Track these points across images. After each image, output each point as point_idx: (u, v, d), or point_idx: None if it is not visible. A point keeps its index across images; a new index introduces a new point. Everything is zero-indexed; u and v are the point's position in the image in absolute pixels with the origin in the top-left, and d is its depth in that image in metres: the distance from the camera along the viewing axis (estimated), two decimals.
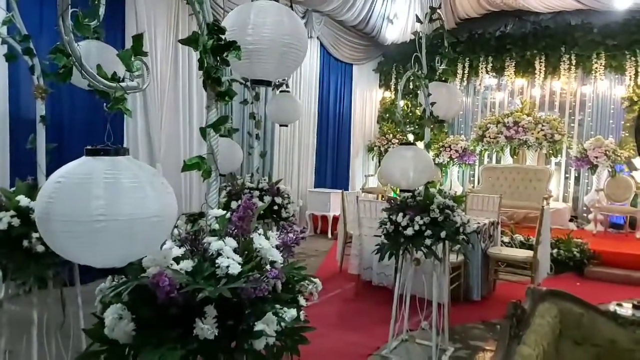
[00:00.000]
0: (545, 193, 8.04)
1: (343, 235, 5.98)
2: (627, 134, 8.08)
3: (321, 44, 8.72)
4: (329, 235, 8.16)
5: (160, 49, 5.83)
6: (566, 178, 8.95)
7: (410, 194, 3.36)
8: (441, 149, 9.37)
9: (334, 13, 8.39)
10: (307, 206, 8.44)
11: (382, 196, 9.94)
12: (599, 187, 7.89)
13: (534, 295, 1.85)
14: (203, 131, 1.56)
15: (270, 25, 1.90)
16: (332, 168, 9.47)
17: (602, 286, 5.70)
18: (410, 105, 10.26)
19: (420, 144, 3.39)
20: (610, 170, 7.78)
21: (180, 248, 1.42)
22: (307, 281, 1.57)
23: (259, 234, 1.50)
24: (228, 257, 1.33)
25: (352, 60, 9.56)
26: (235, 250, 1.38)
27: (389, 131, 10.16)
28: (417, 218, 3.28)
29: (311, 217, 8.48)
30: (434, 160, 9.87)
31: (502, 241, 6.02)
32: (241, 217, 1.46)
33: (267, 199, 4.03)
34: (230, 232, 1.48)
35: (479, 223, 4.95)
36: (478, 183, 9.29)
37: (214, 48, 1.48)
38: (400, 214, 3.37)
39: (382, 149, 10.04)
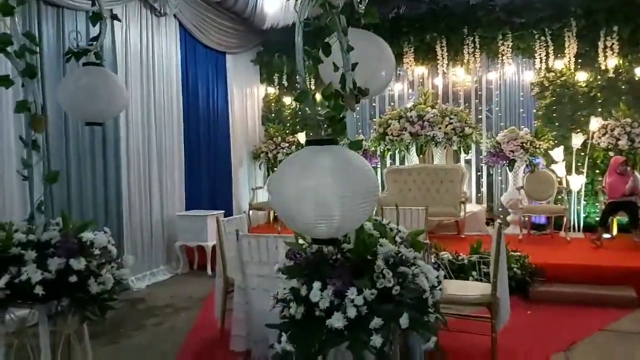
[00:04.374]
0: (460, 196, 6.92)
1: (222, 283, 4.15)
2: (540, 123, 7.25)
3: (181, 25, 6.77)
4: (209, 271, 6.24)
5: None
6: (478, 176, 7.98)
7: (332, 245, 1.68)
8: None
9: None
10: (176, 236, 6.43)
11: (275, 213, 8.23)
12: (517, 184, 6.95)
13: None
14: None
15: None
16: (209, 183, 7.52)
17: (557, 312, 4.53)
18: (299, 103, 8.68)
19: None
20: (529, 164, 6.87)
21: None
22: None
23: None
24: None
25: (224, 48, 7.71)
26: None
27: (277, 134, 8.48)
28: (352, 292, 1.62)
29: (183, 249, 6.48)
30: None
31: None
32: None
33: (55, 262, 2.11)
34: None
35: None
36: (382, 189, 7.97)
37: None
38: (316, 284, 1.68)
39: (270, 155, 8.32)
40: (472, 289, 3.69)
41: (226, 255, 4.15)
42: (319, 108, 1.57)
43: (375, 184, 1.48)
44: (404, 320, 1.60)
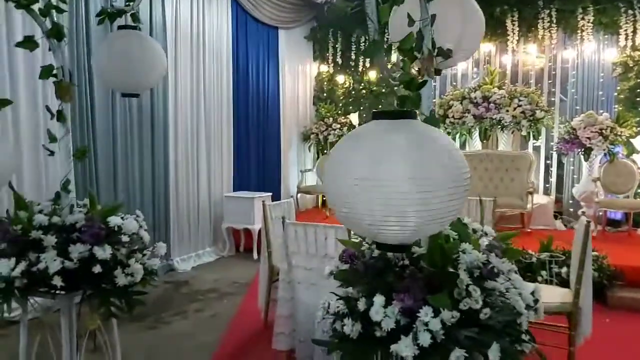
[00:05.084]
0: (528, 186, 6.32)
1: (267, 271, 3.88)
2: (621, 107, 6.48)
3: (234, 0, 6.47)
4: (255, 255, 6.02)
5: None
6: (547, 165, 7.30)
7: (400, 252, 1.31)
8: None
9: None
10: (223, 217, 6.24)
11: (324, 197, 7.92)
12: (593, 175, 6.26)
13: None
14: None
15: None
16: (258, 164, 7.28)
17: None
18: (352, 82, 8.27)
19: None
20: (608, 153, 6.15)
21: None
22: None
23: None
24: None
25: (277, 23, 7.37)
26: None
27: (328, 114, 8.10)
28: (425, 312, 1.24)
29: (230, 231, 6.28)
30: None
31: None
32: None
33: (77, 250, 1.86)
34: None
35: None
36: None
37: None
38: (378, 298, 1.32)
39: (320, 136, 7.97)
40: (550, 294, 3.20)
41: (272, 242, 3.87)
42: (393, 69, 1.19)
43: (466, 173, 1.09)
44: (493, 353, 1.22)
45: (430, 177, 0.99)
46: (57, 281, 1.83)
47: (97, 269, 1.89)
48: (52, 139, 2.13)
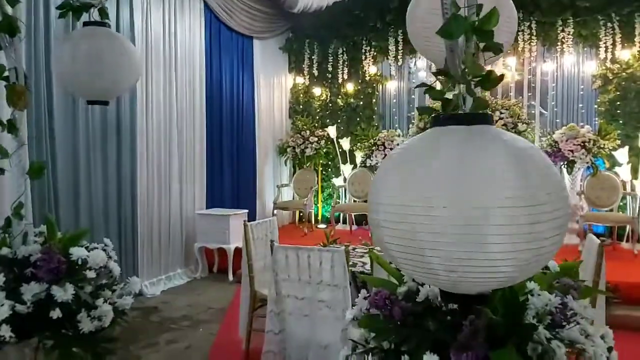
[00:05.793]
0: None
1: (249, 298, 3.52)
2: (602, 120, 6.45)
3: (206, 6, 6.15)
4: (230, 276, 5.64)
5: None
6: None
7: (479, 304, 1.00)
8: (373, 147, 7.23)
9: None
10: (195, 237, 5.84)
11: (301, 213, 7.61)
12: (576, 188, 6.18)
13: None
14: None
15: None
16: (232, 179, 6.91)
17: None
18: (329, 94, 8.03)
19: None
20: (591, 166, 6.08)
21: None
22: None
23: None
24: None
25: (252, 32, 7.08)
26: None
27: (305, 127, 7.82)
28: None
29: (202, 251, 5.88)
30: (365, 163, 7.71)
31: None
32: None
33: (32, 290, 1.50)
34: None
35: None
36: None
37: None
38: (430, 358, 1.01)
39: (297, 150, 7.68)
40: None
41: (254, 265, 3.53)
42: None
43: (567, 198, 0.82)
44: None
45: (538, 200, 0.71)
46: (5, 331, 1.46)
47: (55, 313, 1.53)
48: (3, 153, 1.76)
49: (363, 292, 1.35)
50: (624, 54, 6.29)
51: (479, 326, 1.07)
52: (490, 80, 0.89)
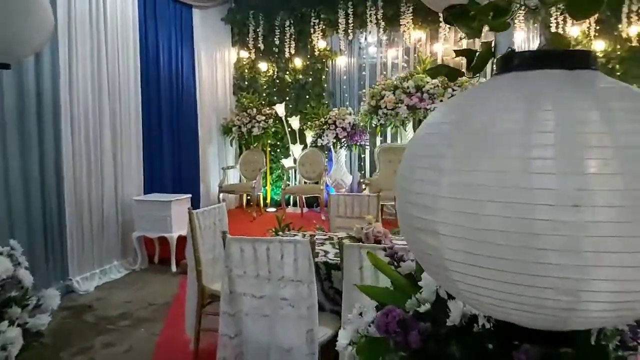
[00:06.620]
0: None
1: (197, 294, 3.14)
2: None
3: None
4: (173, 267, 5.19)
5: None
6: None
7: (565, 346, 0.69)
8: (324, 127, 6.92)
9: None
10: (133, 225, 5.31)
11: (249, 197, 7.21)
12: None
13: None
14: None
15: None
16: (173, 161, 6.38)
17: None
18: (277, 70, 7.61)
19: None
20: None
21: None
22: None
23: None
24: None
25: (191, 0, 6.50)
26: None
27: (251, 105, 7.38)
28: None
29: (141, 241, 5.37)
30: (316, 143, 7.40)
31: None
32: None
33: None
34: None
35: None
36: (373, 170, 7.07)
37: None
38: None
39: (243, 129, 7.23)
40: None
41: (201, 258, 3.14)
42: None
43: None
44: None
45: None
46: None
47: None
48: None
49: (357, 306, 1.04)
50: (574, 30, 6.30)
51: (530, 353, 0.78)
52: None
